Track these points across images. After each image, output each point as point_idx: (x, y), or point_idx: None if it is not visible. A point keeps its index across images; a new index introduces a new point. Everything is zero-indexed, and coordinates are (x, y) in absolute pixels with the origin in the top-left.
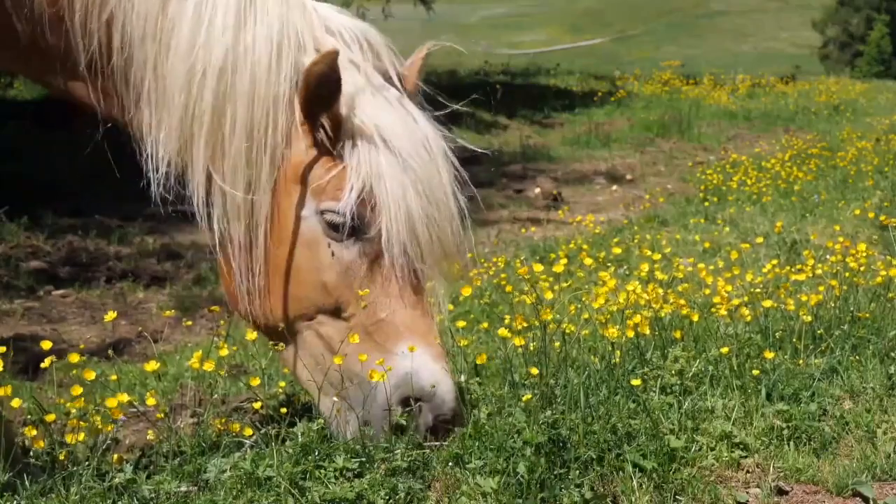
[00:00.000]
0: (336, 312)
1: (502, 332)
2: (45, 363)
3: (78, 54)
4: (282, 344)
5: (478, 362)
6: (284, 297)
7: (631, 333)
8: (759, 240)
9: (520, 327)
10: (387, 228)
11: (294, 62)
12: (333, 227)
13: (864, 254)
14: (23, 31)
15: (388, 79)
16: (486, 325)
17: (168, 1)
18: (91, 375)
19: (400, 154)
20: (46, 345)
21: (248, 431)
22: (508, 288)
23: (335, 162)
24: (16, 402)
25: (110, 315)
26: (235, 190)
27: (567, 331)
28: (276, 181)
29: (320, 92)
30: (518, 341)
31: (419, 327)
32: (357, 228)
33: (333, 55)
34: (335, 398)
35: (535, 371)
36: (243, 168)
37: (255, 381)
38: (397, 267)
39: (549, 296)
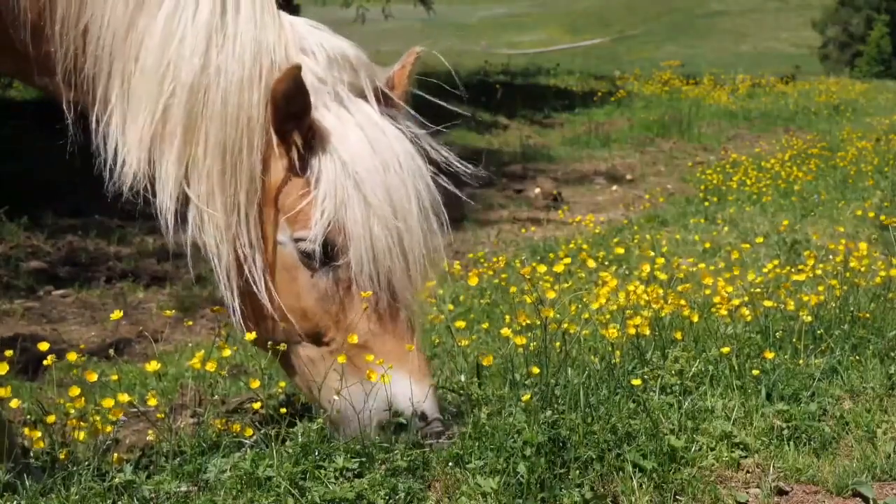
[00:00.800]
0: (316, 338)
1: (505, 331)
2: (48, 362)
3: (56, 62)
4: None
5: (483, 363)
6: (272, 321)
7: (632, 331)
8: (759, 240)
9: (519, 327)
10: (355, 257)
11: (267, 84)
12: (307, 255)
13: (865, 254)
14: (15, 37)
15: (363, 96)
16: (486, 325)
17: (138, 14)
18: (93, 377)
19: (364, 181)
20: (44, 346)
21: (249, 431)
22: (513, 289)
23: (307, 188)
24: (14, 403)
25: (115, 314)
26: (214, 211)
27: (567, 330)
28: (260, 201)
29: (290, 109)
30: (519, 340)
31: (398, 352)
32: (329, 256)
33: (295, 70)
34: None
35: (536, 370)
36: (220, 189)
37: (256, 384)
38: (375, 294)
39: (551, 296)
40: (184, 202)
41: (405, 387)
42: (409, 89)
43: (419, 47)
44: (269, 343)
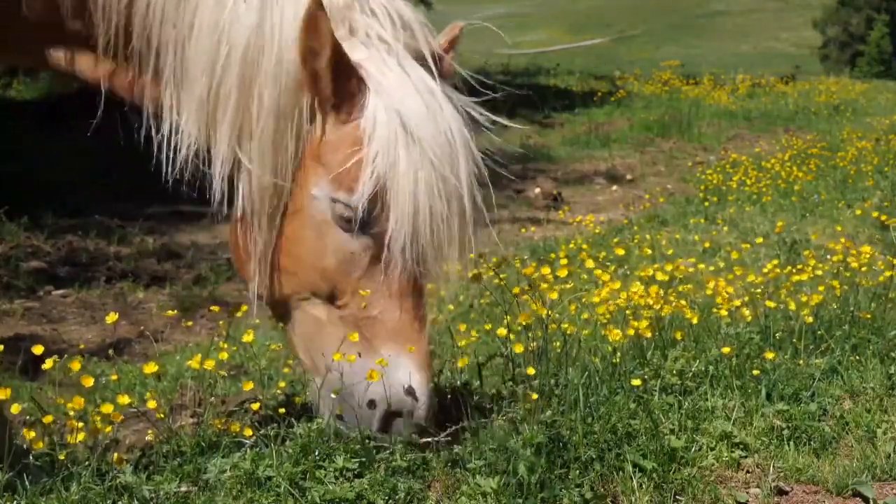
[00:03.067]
0: (330, 298)
1: (501, 331)
2: (48, 364)
3: (98, 36)
4: (281, 324)
5: (479, 362)
6: (287, 272)
7: (632, 331)
8: (759, 240)
9: (519, 328)
10: (392, 227)
11: None
12: (343, 218)
13: (866, 254)
14: (38, 9)
15: (422, 59)
16: (488, 325)
17: None
18: (89, 382)
19: (421, 146)
20: (38, 349)
21: (248, 431)
22: (516, 289)
23: (354, 148)
24: (15, 408)
25: (111, 317)
26: (264, 172)
27: (568, 331)
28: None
29: (311, 43)
30: (518, 348)
31: (408, 333)
32: (365, 223)
33: (313, 2)
34: (320, 380)
35: (531, 371)
36: (271, 150)
37: (249, 386)
38: (398, 267)
39: (553, 296)
40: (233, 170)
41: (405, 374)
42: (454, 60)
43: (461, 22)
44: (282, 300)
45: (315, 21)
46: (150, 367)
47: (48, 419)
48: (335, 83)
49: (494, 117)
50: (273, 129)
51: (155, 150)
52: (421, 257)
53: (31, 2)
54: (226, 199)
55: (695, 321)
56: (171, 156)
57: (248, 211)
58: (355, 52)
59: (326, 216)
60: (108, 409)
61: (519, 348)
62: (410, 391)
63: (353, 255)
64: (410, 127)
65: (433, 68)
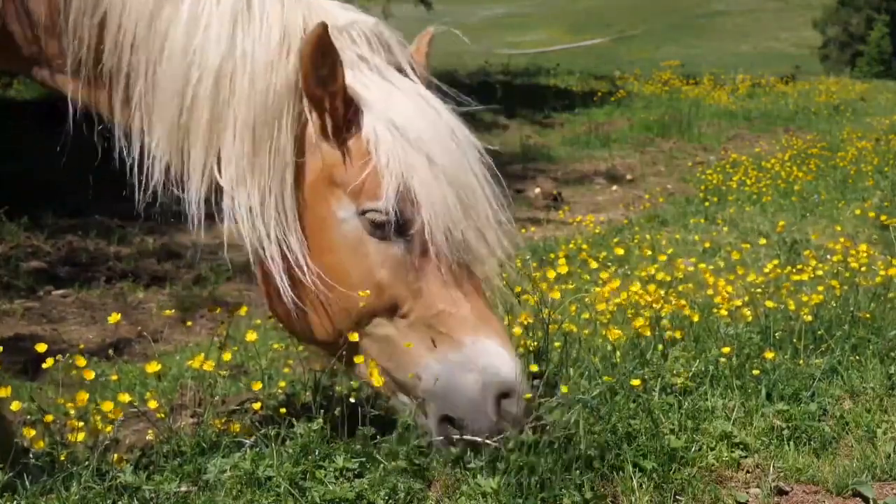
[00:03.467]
0: (391, 311)
1: (517, 330)
2: (49, 363)
3: (66, 56)
4: (356, 357)
5: None
6: (336, 306)
7: (639, 323)
8: (762, 241)
9: (520, 329)
10: (428, 221)
11: (294, 63)
12: (378, 227)
13: (866, 254)
14: (19, 31)
15: (402, 71)
16: None
17: (163, 3)
18: (90, 375)
19: (425, 146)
20: (41, 347)
21: (249, 432)
22: (517, 288)
23: (364, 160)
24: (15, 406)
25: (114, 317)
26: (249, 196)
27: (572, 329)
28: (304, 186)
29: (319, 72)
30: (521, 348)
31: (483, 314)
32: (401, 224)
33: (320, 29)
34: (407, 399)
35: (534, 367)
36: (250, 173)
37: (257, 386)
38: (445, 258)
39: (556, 296)
40: (217, 191)
41: (496, 352)
42: (427, 70)
43: (432, 27)
44: (335, 337)
45: (325, 47)
46: (152, 367)
47: (49, 418)
48: (346, 108)
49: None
50: (250, 150)
51: (128, 173)
52: (464, 244)
53: (9, 22)
54: (201, 223)
55: (695, 319)
56: (143, 180)
57: (254, 244)
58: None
59: (361, 234)
60: (108, 406)
61: (521, 348)
62: (508, 369)
63: (400, 259)
64: (409, 133)
65: (414, 78)
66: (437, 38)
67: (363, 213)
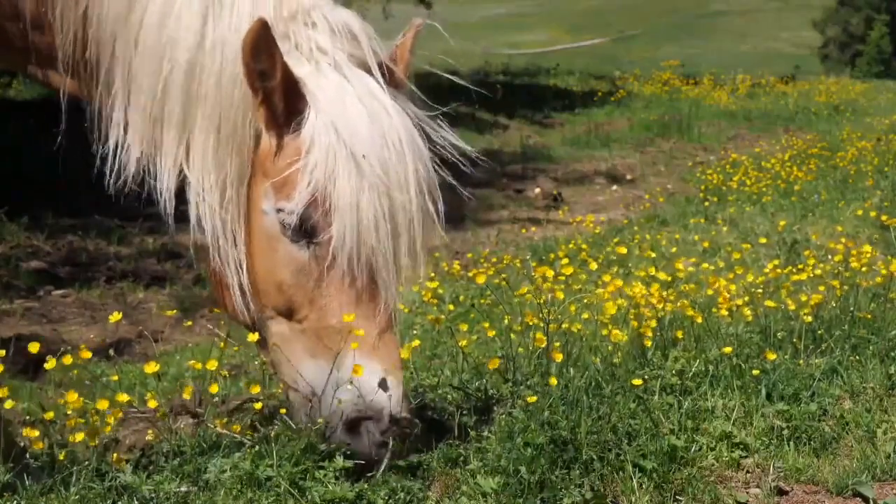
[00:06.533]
0: (289, 313)
1: (517, 327)
2: (50, 363)
3: (56, 50)
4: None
5: (489, 367)
6: (253, 291)
7: (635, 324)
8: (763, 240)
9: (520, 328)
10: (337, 235)
11: None
12: (286, 227)
13: (866, 254)
14: (10, 28)
15: (367, 69)
16: (487, 324)
17: None
18: (88, 355)
19: (358, 154)
20: (34, 347)
21: (249, 432)
22: (523, 290)
23: (294, 158)
24: (9, 404)
25: (115, 316)
26: (211, 185)
27: (573, 329)
28: (250, 176)
29: (258, 66)
30: (541, 341)
31: (371, 338)
32: (306, 230)
33: (258, 24)
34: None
35: (553, 381)
36: (214, 166)
37: (256, 389)
38: (349, 275)
39: (560, 296)
40: (183, 182)
41: (374, 379)
42: (412, 64)
43: (419, 19)
44: (252, 319)
45: (263, 42)
46: (152, 367)
47: (49, 415)
48: (286, 103)
49: (445, 130)
50: (214, 143)
51: (98, 163)
52: (371, 265)
53: (2, 20)
54: (171, 213)
55: (699, 320)
56: (117, 168)
57: (209, 230)
58: (298, 68)
59: (275, 230)
60: (104, 405)
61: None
62: (380, 393)
63: (303, 265)
64: (349, 139)
65: (378, 77)
66: (437, 38)
67: (278, 210)
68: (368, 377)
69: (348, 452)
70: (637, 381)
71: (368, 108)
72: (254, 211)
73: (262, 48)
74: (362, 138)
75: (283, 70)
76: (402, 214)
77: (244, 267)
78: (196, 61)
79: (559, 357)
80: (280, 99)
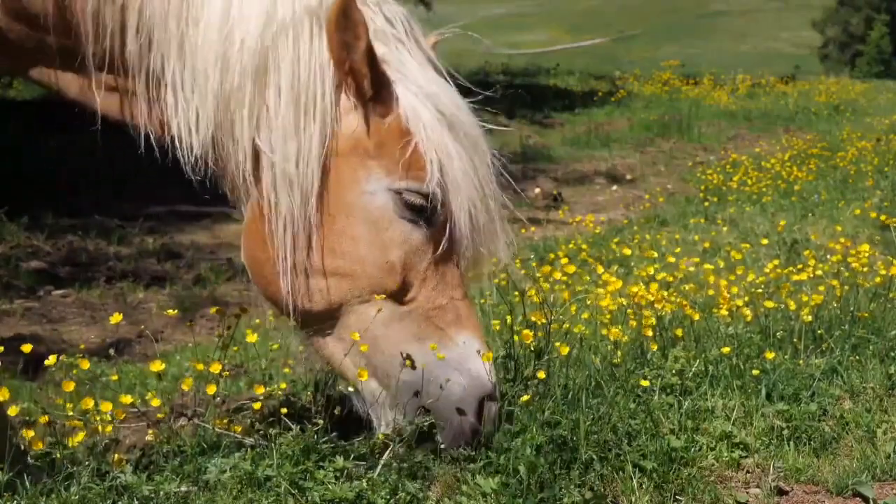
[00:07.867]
0: (396, 295)
1: (526, 332)
2: (51, 360)
3: (87, 48)
4: (314, 328)
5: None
6: (337, 274)
7: (634, 323)
8: (764, 241)
9: (520, 328)
10: (456, 212)
11: None
12: (410, 208)
13: (866, 254)
14: (18, 32)
15: (430, 60)
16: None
17: None
18: (69, 387)
19: (461, 133)
20: (26, 348)
21: (249, 432)
22: (530, 290)
23: (404, 137)
24: (13, 411)
25: (115, 317)
26: (286, 161)
27: (569, 330)
28: (331, 150)
29: (343, 36)
30: (527, 336)
31: (472, 317)
32: (433, 209)
33: None
34: (377, 384)
35: (542, 375)
36: (293, 138)
37: (260, 390)
38: (458, 252)
39: (565, 296)
40: (255, 163)
41: (478, 360)
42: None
43: (436, 33)
44: (328, 305)
45: (349, 13)
46: (157, 365)
47: (43, 419)
48: (372, 76)
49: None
50: (294, 115)
51: (156, 154)
52: (486, 237)
53: (10, 24)
54: (243, 197)
55: (696, 318)
56: (185, 155)
57: (274, 208)
58: (377, 48)
59: (387, 210)
60: (105, 406)
61: (528, 336)
62: (484, 372)
63: (420, 245)
64: (447, 113)
65: (434, 58)
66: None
67: (398, 191)
68: (478, 361)
69: (481, 439)
70: (644, 382)
71: (447, 90)
72: (348, 193)
73: (349, 19)
74: (453, 112)
75: (367, 42)
76: (493, 191)
77: (322, 250)
78: (269, 33)
79: (565, 350)
80: (367, 71)
